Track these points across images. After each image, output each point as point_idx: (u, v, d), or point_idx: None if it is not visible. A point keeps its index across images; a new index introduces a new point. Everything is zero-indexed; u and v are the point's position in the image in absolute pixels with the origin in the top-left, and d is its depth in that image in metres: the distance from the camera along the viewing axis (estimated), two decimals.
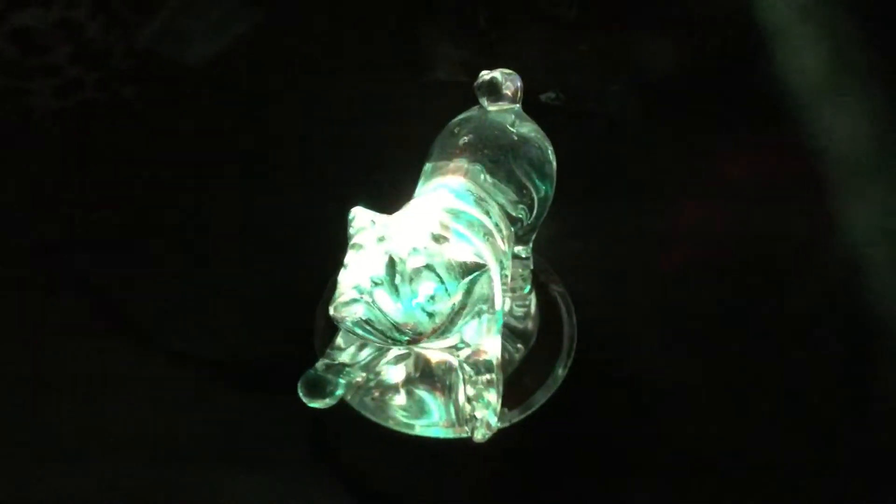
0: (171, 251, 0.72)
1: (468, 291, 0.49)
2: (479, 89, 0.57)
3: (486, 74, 0.57)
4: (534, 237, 0.59)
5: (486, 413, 0.53)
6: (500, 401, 0.54)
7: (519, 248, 0.59)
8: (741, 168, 0.78)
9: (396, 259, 0.47)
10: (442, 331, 0.49)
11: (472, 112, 0.58)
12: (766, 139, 0.80)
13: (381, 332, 0.48)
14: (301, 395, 0.54)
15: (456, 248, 0.49)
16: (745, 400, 0.63)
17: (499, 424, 0.54)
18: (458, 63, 0.87)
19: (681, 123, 0.81)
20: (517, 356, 0.61)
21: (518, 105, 0.58)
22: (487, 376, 0.53)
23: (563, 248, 0.69)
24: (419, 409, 0.59)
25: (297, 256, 0.68)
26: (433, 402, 0.59)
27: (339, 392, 0.55)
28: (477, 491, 0.59)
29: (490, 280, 0.51)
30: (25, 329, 0.66)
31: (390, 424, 0.58)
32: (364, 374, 0.56)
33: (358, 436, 0.59)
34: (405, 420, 0.58)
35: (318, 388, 0.55)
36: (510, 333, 0.62)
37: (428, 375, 0.59)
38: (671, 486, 0.59)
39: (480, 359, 0.53)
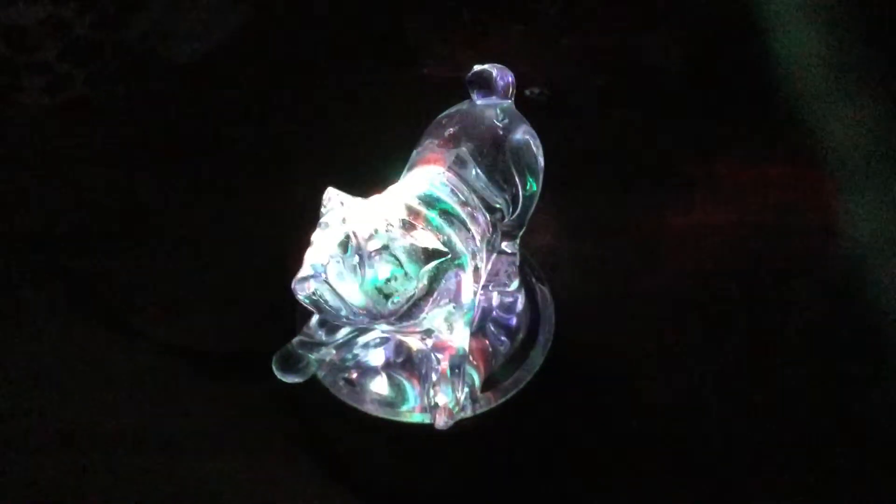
0: (160, 244, 0.72)
1: (434, 278, 0.50)
2: (469, 83, 0.58)
3: (477, 68, 0.58)
4: (521, 233, 0.60)
5: (447, 401, 0.54)
6: (464, 391, 0.55)
7: (506, 244, 0.60)
8: (733, 163, 0.78)
9: (353, 239, 0.48)
10: (405, 315, 0.50)
11: (463, 105, 0.59)
12: (761, 137, 0.80)
13: (335, 309, 0.49)
14: (275, 369, 0.56)
15: (421, 235, 0.50)
16: (732, 393, 0.63)
17: (461, 414, 0.55)
18: (443, 57, 0.87)
19: (671, 119, 0.82)
20: (502, 349, 0.62)
21: (510, 100, 0.59)
22: (451, 366, 0.54)
23: (546, 241, 0.70)
24: (397, 394, 0.60)
25: (284, 245, 0.68)
26: (411, 388, 0.60)
27: (312, 368, 0.57)
28: (457, 471, 0.60)
29: (456, 270, 0.52)
30: (12, 322, 0.66)
31: (367, 409, 0.59)
32: (335, 353, 0.57)
33: (340, 421, 0.60)
34: (382, 405, 0.59)
35: (291, 363, 0.56)
36: (496, 327, 0.63)
37: (409, 362, 0.60)
38: (647, 469, 0.60)
39: (445, 348, 0.54)
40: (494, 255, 0.58)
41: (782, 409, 0.62)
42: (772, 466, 0.59)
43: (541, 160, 0.58)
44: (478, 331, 0.62)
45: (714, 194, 0.76)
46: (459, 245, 0.52)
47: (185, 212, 0.75)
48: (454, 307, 0.52)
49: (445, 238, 0.51)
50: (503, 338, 0.62)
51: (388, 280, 0.48)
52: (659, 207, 0.75)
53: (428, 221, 0.51)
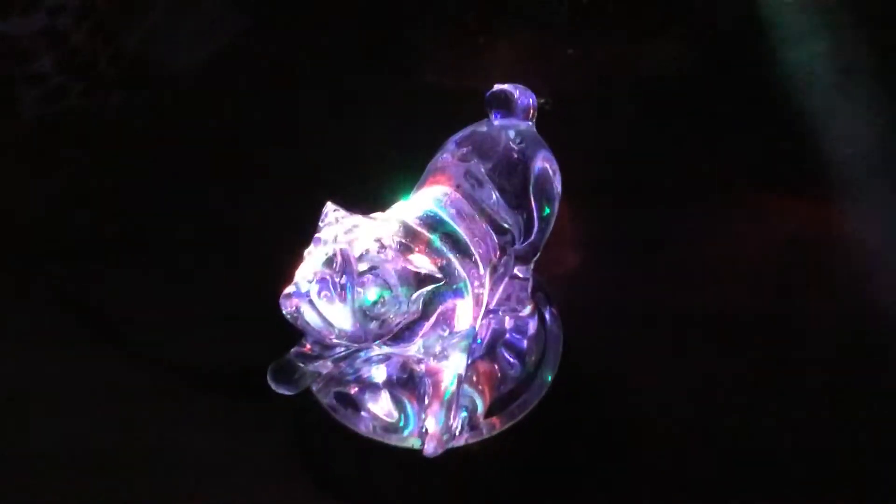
0: (157, 258, 0.71)
1: (429, 303, 0.48)
2: (488, 102, 0.57)
3: (498, 87, 0.56)
4: (535, 259, 0.58)
5: (436, 428, 0.52)
6: (458, 418, 0.53)
7: (518, 269, 0.58)
8: (739, 172, 0.77)
9: (339, 257, 0.46)
10: (398, 337, 0.49)
11: (480, 124, 0.57)
12: (766, 142, 0.79)
13: (318, 329, 0.47)
14: (269, 379, 0.54)
15: (417, 258, 0.48)
16: (748, 415, 0.61)
17: (451, 444, 0.52)
18: (447, 66, 0.86)
19: (676, 128, 0.80)
20: (512, 373, 0.60)
21: (531, 122, 0.57)
22: (441, 393, 0.52)
23: (551, 257, 0.68)
24: (397, 415, 0.58)
25: (285, 258, 0.67)
26: (412, 409, 0.58)
27: (307, 381, 0.55)
28: (461, 496, 0.58)
29: (453, 296, 0.50)
30: (4, 339, 0.65)
31: (362, 430, 0.57)
32: (334, 366, 0.55)
33: (341, 442, 0.58)
34: (379, 427, 0.58)
35: (286, 374, 0.54)
36: (507, 351, 0.61)
37: (412, 380, 0.58)
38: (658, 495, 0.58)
39: (439, 373, 0.52)
40: (506, 280, 0.56)
41: (797, 432, 0.60)
42: (788, 494, 0.58)
43: (558, 186, 0.57)
44: (487, 354, 0.60)
45: (721, 205, 0.75)
46: (459, 270, 0.50)
47: (184, 223, 0.73)
48: (450, 333, 0.50)
49: (444, 262, 0.49)
50: (513, 360, 0.61)
51: (375, 303, 0.47)
52: (668, 217, 0.73)
53: (427, 244, 0.49)
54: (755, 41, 0.87)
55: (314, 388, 0.58)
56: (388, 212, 0.52)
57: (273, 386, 0.54)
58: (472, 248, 0.51)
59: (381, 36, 0.89)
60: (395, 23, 0.90)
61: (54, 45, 0.76)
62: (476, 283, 0.51)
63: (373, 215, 0.50)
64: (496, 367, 0.60)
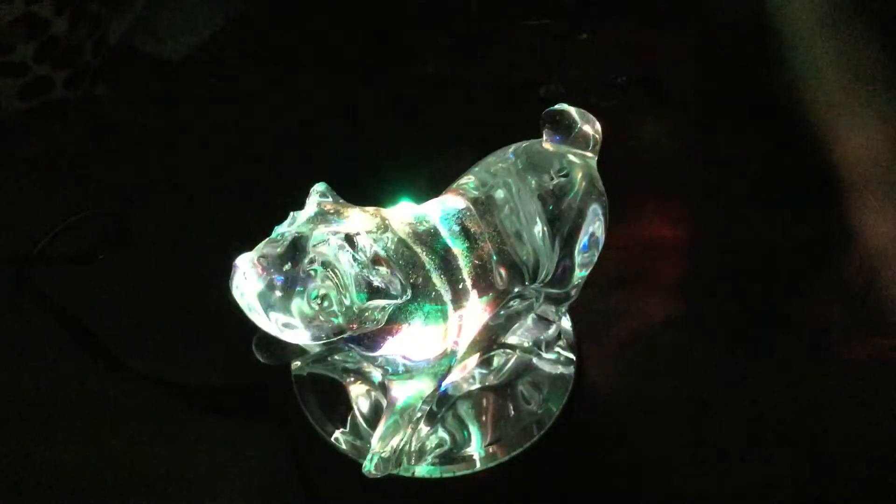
0: (145, 261, 0.67)
1: (395, 318, 0.44)
2: (545, 120, 0.52)
3: (558, 107, 0.52)
4: (568, 303, 0.54)
5: (378, 448, 0.50)
6: (400, 443, 0.50)
7: (546, 308, 0.54)
8: (750, 173, 0.75)
9: (281, 242, 0.42)
10: (357, 343, 0.45)
11: (534, 143, 0.52)
12: (776, 144, 0.76)
13: (244, 306, 0.43)
14: (253, 347, 0.53)
15: (383, 267, 0.43)
16: (747, 424, 0.60)
17: (393, 469, 0.50)
18: (449, 54, 0.82)
19: (688, 123, 0.78)
20: (527, 410, 0.57)
21: (593, 155, 0.52)
22: (400, 410, 0.50)
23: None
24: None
25: None
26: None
27: (292, 356, 0.54)
28: None
29: (423, 317, 0.46)
30: None
31: (335, 439, 0.56)
32: (319, 348, 0.53)
33: (332, 463, 0.56)
34: (354, 439, 0.55)
35: (269, 344, 0.53)
36: (526, 389, 0.58)
37: None
38: None
39: (395, 393, 0.49)
40: (532, 318, 0.54)
41: (804, 450, 0.58)
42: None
43: (597, 232, 0.52)
44: (504, 388, 0.58)
45: (740, 203, 0.72)
46: (440, 292, 0.46)
47: (173, 221, 0.70)
48: (413, 356, 0.47)
49: (420, 280, 0.45)
50: (531, 399, 0.58)
51: (317, 299, 0.42)
52: (680, 216, 0.71)
53: (406, 257, 0.45)
54: (767, 41, 0.84)
55: (293, 366, 0.57)
56: (388, 210, 0.48)
57: (255, 353, 0.54)
58: (464, 272, 0.47)
59: (381, 22, 0.86)
60: (396, 9, 0.86)
61: (34, 34, 0.73)
62: (458, 309, 0.47)
63: (366, 208, 0.46)
64: (510, 403, 0.58)
